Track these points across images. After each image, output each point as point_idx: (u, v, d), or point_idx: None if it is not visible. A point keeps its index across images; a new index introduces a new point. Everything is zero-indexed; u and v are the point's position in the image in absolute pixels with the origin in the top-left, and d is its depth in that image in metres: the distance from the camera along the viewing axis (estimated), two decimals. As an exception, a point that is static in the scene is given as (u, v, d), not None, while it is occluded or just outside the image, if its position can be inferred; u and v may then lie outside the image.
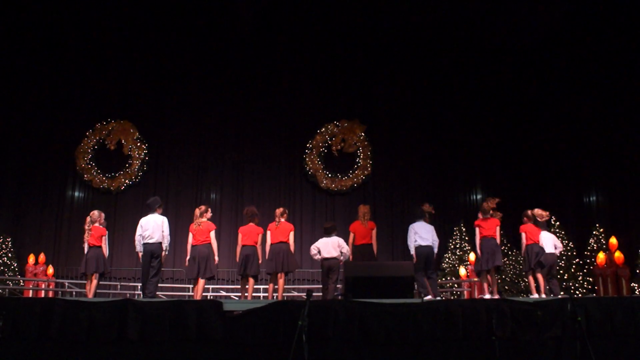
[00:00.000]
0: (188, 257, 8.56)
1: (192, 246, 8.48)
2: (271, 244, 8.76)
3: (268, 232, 8.82)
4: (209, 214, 8.77)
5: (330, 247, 8.75)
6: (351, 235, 9.19)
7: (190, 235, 8.55)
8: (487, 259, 8.56)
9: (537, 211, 9.01)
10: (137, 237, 8.47)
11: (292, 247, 8.80)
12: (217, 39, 14.67)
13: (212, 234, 8.56)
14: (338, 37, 14.82)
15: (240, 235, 8.75)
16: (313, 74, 15.09)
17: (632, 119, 11.48)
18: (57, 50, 14.41)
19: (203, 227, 8.53)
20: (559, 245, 9.37)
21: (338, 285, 8.95)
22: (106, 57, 14.62)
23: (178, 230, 13.09)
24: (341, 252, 8.74)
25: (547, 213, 9.13)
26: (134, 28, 14.39)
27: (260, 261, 8.74)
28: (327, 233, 8.92)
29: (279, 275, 8.69)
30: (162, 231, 8.41)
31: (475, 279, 10.86)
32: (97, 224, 8.86)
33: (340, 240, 8.82)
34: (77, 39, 14.36)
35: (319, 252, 8.80)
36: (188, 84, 14.85)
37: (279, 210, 8.96)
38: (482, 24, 13.63)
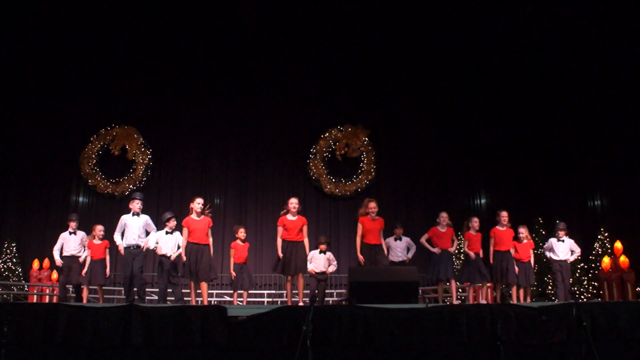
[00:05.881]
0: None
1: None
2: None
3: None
4: None
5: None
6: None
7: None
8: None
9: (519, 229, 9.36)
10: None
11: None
12: (221, 44, 14.72)
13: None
14: (341, 41, 14.84)
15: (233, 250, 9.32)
16: (316, 78, 15.12)
17: (637, 122, 11.44)
18: (62, 55, 14.46)
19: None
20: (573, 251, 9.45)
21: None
22: (110, 62, 14.69)
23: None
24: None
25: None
26: (138, 33, 14.44)
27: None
28: None
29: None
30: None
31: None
32: (96, 240, 9.82)
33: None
34: (81, 44, 14.41)
35: None
36: (192, 89, 14.91)
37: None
38: (485, 27, 13.62)
